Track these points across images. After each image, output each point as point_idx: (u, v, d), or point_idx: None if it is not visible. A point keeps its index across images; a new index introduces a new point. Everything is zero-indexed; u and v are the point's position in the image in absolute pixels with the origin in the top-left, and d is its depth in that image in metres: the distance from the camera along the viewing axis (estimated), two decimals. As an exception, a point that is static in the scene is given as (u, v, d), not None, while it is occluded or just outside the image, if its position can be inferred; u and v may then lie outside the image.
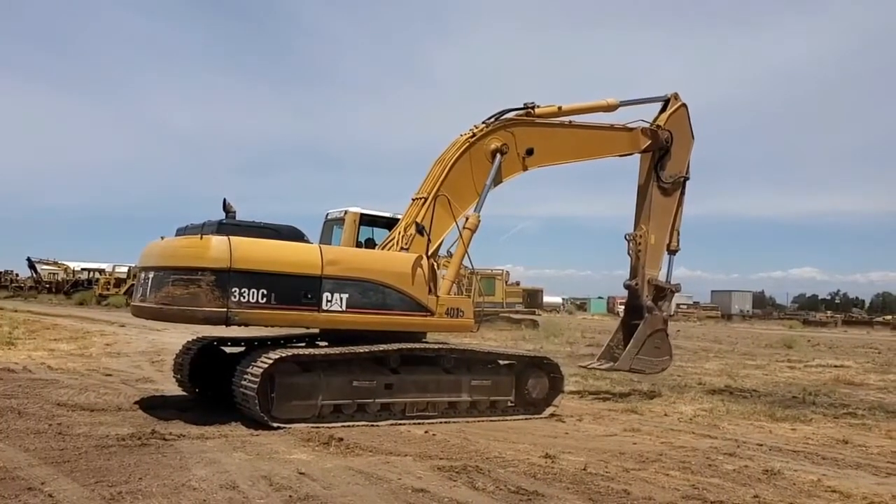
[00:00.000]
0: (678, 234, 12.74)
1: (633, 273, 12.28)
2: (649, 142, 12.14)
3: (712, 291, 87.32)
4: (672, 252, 12.69)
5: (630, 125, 12.10)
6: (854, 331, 50.33)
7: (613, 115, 12.12)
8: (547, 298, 52.46)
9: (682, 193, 12.75)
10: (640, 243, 12.19)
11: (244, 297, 8.13)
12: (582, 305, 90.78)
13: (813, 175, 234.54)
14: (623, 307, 13.10)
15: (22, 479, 5.64)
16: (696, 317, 66.12)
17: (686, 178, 12.71)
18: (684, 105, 12.68)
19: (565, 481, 6.26)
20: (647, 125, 12.19)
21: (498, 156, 10.41)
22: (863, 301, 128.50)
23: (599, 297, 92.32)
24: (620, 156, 12.22)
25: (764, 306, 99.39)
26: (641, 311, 12.05)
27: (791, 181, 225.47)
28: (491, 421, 9.37)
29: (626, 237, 12.39)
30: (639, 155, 12.36)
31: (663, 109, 12.54)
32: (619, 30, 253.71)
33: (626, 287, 12.53)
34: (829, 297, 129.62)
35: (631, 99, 12.32)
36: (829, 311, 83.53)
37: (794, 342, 28.59)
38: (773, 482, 6.58)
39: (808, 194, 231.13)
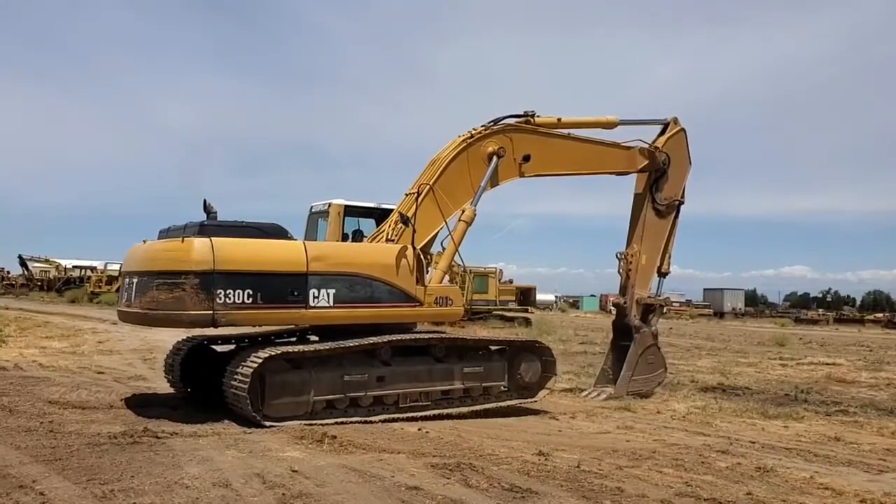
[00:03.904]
0: (670, 257, 12.81)
1: (623, 291, 12.34)
2: (646, 162, 12.19)
3: (704, 289, 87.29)
4: (662, 275, 12.75)
5: (628, 144, 12.12)
6: (845, 329, 50.52)
7: (612, 134, 12.16)
8: (540, 296, 52.40)
9: (676, 217, 12.81)
10: (630, 262, 12.23)
11: (230, 299, 8.09)
12: (574, 303, 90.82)
13: (805, 174, 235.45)
14: (613, 307, 13.13)
15: (13, 478, 5.61)
16: (689, 315, 66.23)
17: (681, 203, 12.77)
18: (683, 130, 12.75)
19: (559, 479, 6.26)
20: (645, 145, 12.22)
21: (494, 158, 10.45)
22: (854, 299, 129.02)
23: (592, 295, 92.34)
24: (617, 174, 12.24)
25: (756, 304, 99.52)
26: (630, 332, 12.09)
27: (783, 180, 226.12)
28: (484, 417, 9.37)
29: (617, 255, 12.44)
30: (635, 174, 12.40)
31: (662, 132, 12.58)
32: (618, 29, 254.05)
33: (615, 305, 12.65)
34: (820, 296, 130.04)
35: (631, 119, 12.39)
36: (820, 310, 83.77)
37: (786, 340, 28.70)
38: (765, 479, 6.59)
39: (800, 193, 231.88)
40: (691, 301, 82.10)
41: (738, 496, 5.95)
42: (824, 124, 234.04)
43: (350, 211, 10.57)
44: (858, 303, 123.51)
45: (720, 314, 71.88)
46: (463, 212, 10.21)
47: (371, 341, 8.80)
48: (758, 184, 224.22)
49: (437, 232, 10.09)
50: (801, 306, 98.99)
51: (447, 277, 10.33)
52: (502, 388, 9.93)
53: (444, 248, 10.31)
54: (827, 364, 19.11)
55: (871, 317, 66.08)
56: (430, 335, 9.54)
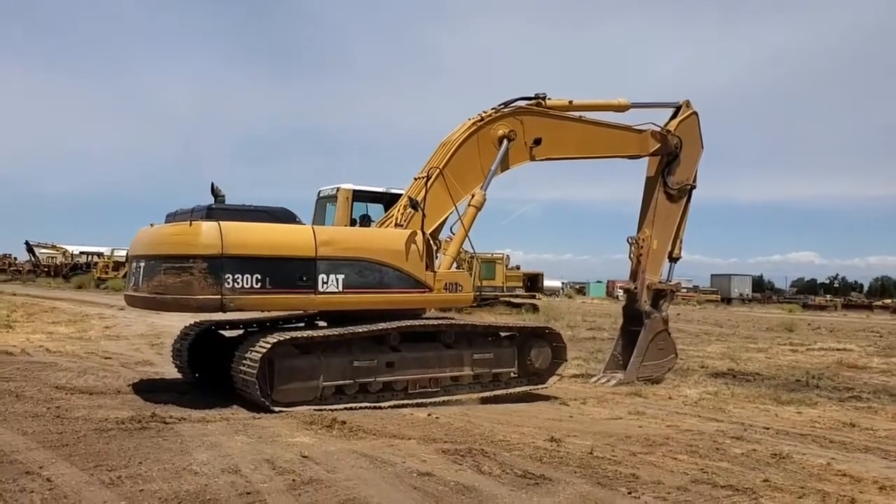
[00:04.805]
0: (681, 242, 12.66)
1: (633, 276, 12.21)
2: (658, 145, 12.00)
3: (712, 275, 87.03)
4: (674, 260, 12.60)
5: (640, 127, 11.95)
6: (853, 314, 50.25)
7: (624, 117, 11.99)
8: (546, 282, 52.24)
9: (688, 201, 12.64)
10: (641, 247, 12.09)
11: (238, 283, 7.98)
12: (581, 289, 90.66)
13: (812, 160, 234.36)
14: (622, 291, 13.00)
15: (20, 463, 5.55)
16: (696, 300, 66.05)
17: (693, 187, 12.60)
18: (695, 113, 12.52)
19: (572, 465, 6.17)
20: (657, 129, 12.03)
21: (505, 142, 10.29)
22: (861, 285, 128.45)
23: (598, 282, 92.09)
24: (628, 157, 12.07)
25: (763, 290, 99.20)
26: (640, 317, 11.96)
27: (790, 166, 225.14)
28: (494, 403, 9.28)
29: (628, 240, 12.30)
30: (647, 158, 12.24)
31: (674, 115, 12.39)
32: (625, 17, 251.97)
33: (625, 291, 12.54)
34: (827, 282, 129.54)
35: (642, 101, 12.19)
36: (828, 295, 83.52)
37: (794, 326, 28.57)
38: (782, 466, 6.49)
39: (807, 179, 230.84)
40: (699, 287, 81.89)
41: (756, 483, 5.84)
42: (833, 110, 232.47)
43: (359, 196, 10.45)
44: (866, 289, 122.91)
45: (727, 300, 71.73)
46: (473, 196, 10.07)
47: (380, 327, 8.70)
48: (765, 169, 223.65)
49: (447, 217, 9.95)
50: (808, 292, 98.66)
51: (456, 263, 10.21)
52: (512, 374, 9.85)
53: (453, 234, 10.20)
54: (837, 350, 18.96)
55: (879, 303, 65.79)
56: (440, 321, 9.44)
